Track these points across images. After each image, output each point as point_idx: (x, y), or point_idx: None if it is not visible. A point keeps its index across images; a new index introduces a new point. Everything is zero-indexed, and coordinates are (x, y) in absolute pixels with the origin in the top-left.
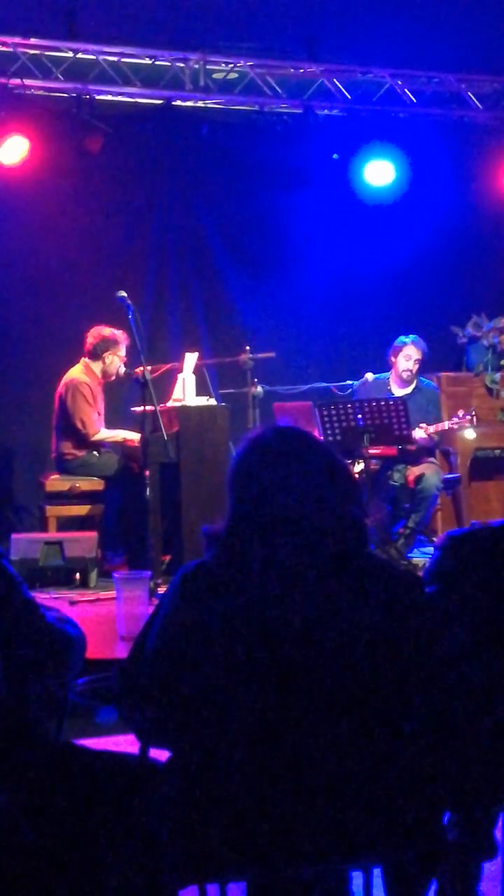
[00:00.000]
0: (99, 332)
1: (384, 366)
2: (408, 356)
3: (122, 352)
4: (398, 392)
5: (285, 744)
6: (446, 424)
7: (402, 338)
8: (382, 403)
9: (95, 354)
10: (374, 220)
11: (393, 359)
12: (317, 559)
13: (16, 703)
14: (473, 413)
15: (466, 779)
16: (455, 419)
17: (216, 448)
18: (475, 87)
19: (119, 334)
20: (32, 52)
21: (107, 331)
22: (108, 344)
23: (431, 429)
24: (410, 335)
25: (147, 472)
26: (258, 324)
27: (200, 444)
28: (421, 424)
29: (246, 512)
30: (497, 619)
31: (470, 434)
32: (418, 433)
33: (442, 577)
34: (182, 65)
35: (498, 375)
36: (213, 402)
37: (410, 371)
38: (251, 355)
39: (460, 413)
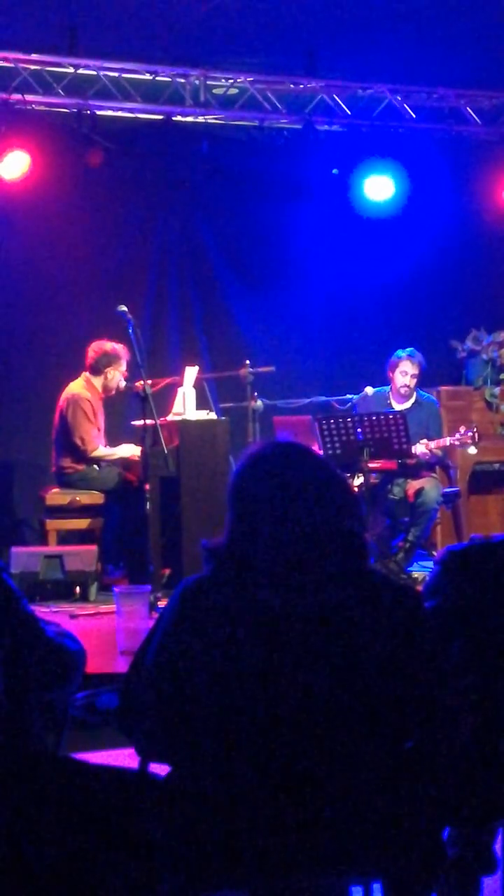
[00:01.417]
0: (100, 346)
1: (384, 380)
2: (404, 372)
3: (124, 367)
4: (398, 406)
5: (285, 758)
6: (448, 441)
7: (398, 352)
8: (382, 417)
9: (97, 369)
10: (373, 234)
11: (391, 374)
12: (316, 573)
13: (15, 717)
14: (475, 430)
15: (466, 793)
16: (457, 435)
17: (216, 462)
18: (474, 102)
19: (120, 349)
20: (33, 67)
21: (108, 345)
22: (109, 359)
23: (433, 444)
24: (407, 349)
25: (147, 486)
26: (258, 338)
27: (200, 458)
28: (423, 441)
29: (246, 526)
30: (497, 634)
31: (470, 449)
32: (420, 449)
33: (441, 591)
34: (182, 80)
35: (497, 389)
36: (213, 416)
37: (408, 386)
38: (251, 369)
39: (462, 429)
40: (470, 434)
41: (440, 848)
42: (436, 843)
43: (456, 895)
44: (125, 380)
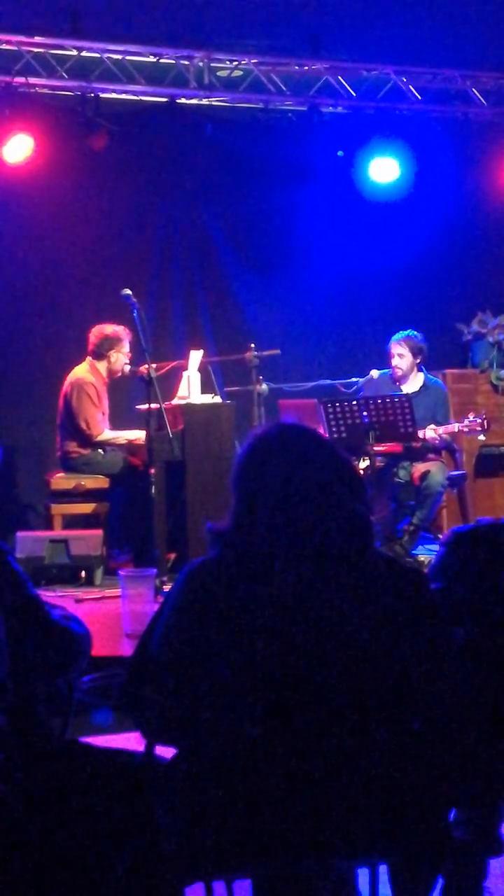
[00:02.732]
0: (100, 330)
1: (389, 363)
2: (392, 354)
3: (126, 348)
4: (406, 390)
5: (290, 740)
6: (456, 427)
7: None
8: (388, 400)
9: (99, 354)
10: (378, 216)
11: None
12: (322, 556)
13: (22, 700)
14: (485, 417)
15: (472, 775)
16: (466, 422)
17: (221, 446)
18: (480, 83)
19: (121, 330)
20: (37, 50)
21: (108, 328)
22: (111, 342)
23: (441, 430)
24: (398, 333)
25: (152, 470)
26: (263, 321)
27: (205, 442)
28: (431, 426)
29: (250, 509)
30: (502, 615)
31: (479, 436)
32: (429, 434)
33: (447, 573)
34: (186, 63)
35: (503, 372)
36: (218, 399)
37: (399, 368)
38: (256, 353)
39: (471, 416)
40: (479, 421)
41: (446, 830)
42: (441, 826)
43: (462, 877)
44: (129, 360)
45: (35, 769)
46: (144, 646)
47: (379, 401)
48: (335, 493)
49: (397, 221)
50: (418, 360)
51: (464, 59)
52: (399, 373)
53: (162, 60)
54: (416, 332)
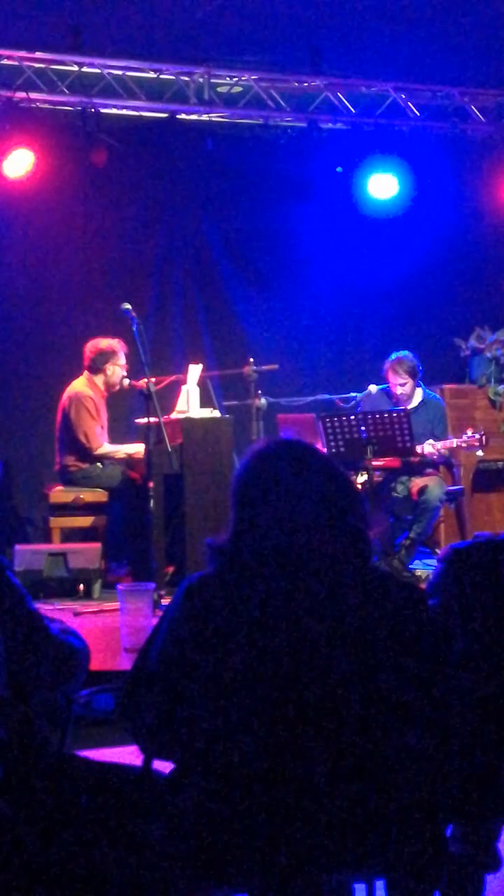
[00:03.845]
0: (95, 345)
1: (386, 380)
2: (393, 383)
3: (122, 360)
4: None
5: (288, 755)
6: (455, 442)
7: (388, 359)
8: (386, 415)
9: (95, 368)
10: (377, 232)
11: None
12: (320, 572)
13: (20, 714)
14: (483, 434)
15: (469, 790)
16: (465, 438)
17: (220, 460)
18: (478, 100)
19: (115, 343)
20: (38, 65)
21: (103, 342)
22: (106, 356)
23: (440, 445)
24: (392, 355)
25: (151, 484)
26: (262, 336)
27: (204, 456)
28: (430, 441)
29: (249, 524)
30: (500, 632)
31: (478, 452)
32: (427, 449)
33: (445, 589)
34: (186, 78)
35: (501, 388)
36: (216, 413)
37: (404, 393)
38: (255, 367)
39: (469, 432)
40: (477, 437)
41: (443, 845)
42: (439, 841)
43: (459, 893)
44: (126, 372)
45: (33, 783)
46: (143, 660)
47: (377, 416)
48: (333, 508)
49: (396, 237)
50: (418, 378)
51: (462, 77)
52: (405, 398)
53: (162, 76)
54: (406, 353)
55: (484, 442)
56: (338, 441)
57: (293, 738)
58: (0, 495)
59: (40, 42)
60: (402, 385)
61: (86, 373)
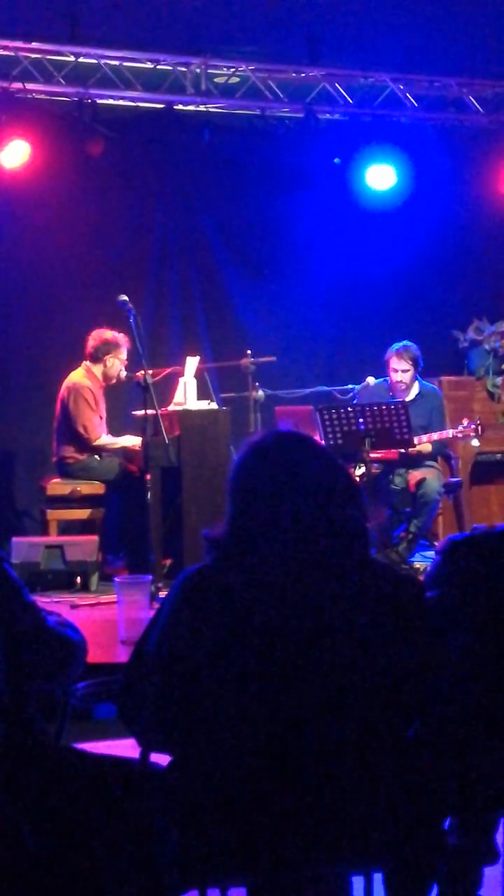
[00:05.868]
0: (100, 334)
1: (385, 370)
2: (395, 369)
3: (123, 354)
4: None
5: (286, 748)
6: (450, 433)
7: (390, 348)
8: (384, 407)
9: (96, 357)
10: (375, 224)
11: (388, 368)
12: (318, 564)
13: (16, 706)
14: (479, 423)
15: (467, 783)
16: (460, 428)
17: (217, 452)
18: (476, 91)
19: (120, 337)
20: (34, 56)
21: (108, 333)
22: (109, 347)
23: (435, 436)
24: (396, 344)
25: (148, 476)
26: (260, 328)
27: (201, 448)
28: (424, 436)
29: (246, 516)
30: (498, 624)
31: (473, 441)
32: (426, 448)
33: (443, 581)
34: (184, 69)
35: (499, 380)
36: (214, 405)
37: (403, 382)
38: (252, 359)
39: (465, 422)
40: (473, 427)
41: (441, 838)
42: (437, 833)
43: (457, 885)
44: (125, 368)
45: (29, 775)
46: (140, 652)
47: (375, 408)
48: (331, 500)
49: (394, 228)
50: (418, 370)
51: (460, 67)
52: (403, 387)
53: (159, 67)
54: (410, 342)
55: (480, 431)
56: (335, 433)
57: (291, 729)
58: None
59: (37, 32)
60: (404, 372)
61: (84, 363)
